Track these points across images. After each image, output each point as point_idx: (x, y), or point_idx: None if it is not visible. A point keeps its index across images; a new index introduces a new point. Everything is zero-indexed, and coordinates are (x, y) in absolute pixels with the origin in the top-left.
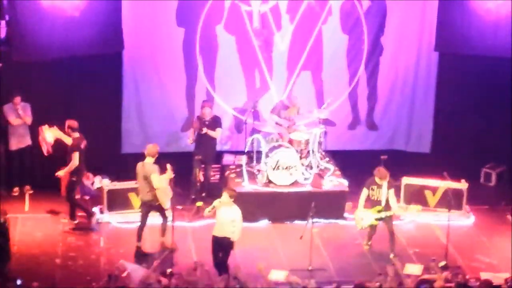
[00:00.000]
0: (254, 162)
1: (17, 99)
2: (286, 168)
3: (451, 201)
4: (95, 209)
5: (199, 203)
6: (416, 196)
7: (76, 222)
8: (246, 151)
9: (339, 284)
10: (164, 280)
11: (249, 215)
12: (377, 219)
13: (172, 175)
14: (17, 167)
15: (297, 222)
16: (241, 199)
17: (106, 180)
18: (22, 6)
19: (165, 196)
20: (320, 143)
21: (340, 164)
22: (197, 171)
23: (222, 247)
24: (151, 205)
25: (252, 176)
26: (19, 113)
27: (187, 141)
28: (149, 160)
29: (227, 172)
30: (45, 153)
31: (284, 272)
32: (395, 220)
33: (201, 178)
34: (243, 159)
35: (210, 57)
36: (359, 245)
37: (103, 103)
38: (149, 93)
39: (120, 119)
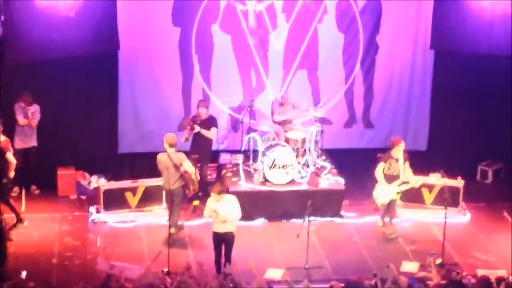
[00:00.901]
0: (251, 161)
1: (27, 97)
2: (283, 166)
3: (447, 198)
4: (92, 209)
5: (196, 202)
6: (413, 194)
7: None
8: (242, 150)
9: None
10: (164, 279)
11: (245, 214)
12: (398, 193)
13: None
14: (19, 167)
15: (293, 220)
16: (237, 198)
17: (102, 179)
18: (17, 6)
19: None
20: (316, 142)
21: (336, 162)
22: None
23: (225, 243)
24: (176, 194)
25: (249, 175)
26: (28, 114)
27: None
28: (173, 150)
29: (223, 171)
30: None
31: (281, 270)
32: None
33: (198, 177)
34: (240, 158)
35: (206, 57)
36: (356, 243)
37: (99, 103)
38: (145, 93)
39: (116, 119)
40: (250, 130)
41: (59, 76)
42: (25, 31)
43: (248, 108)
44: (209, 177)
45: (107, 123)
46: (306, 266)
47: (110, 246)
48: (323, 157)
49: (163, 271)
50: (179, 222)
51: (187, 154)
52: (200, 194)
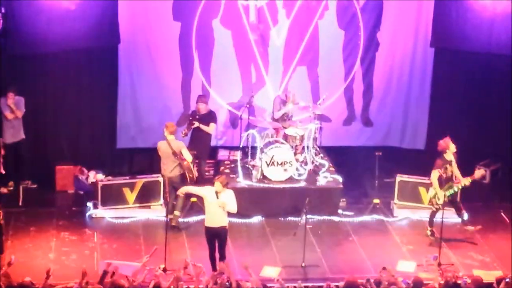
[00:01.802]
0: (249, 157)
1: (10, 95)
2: (281, 164)
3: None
4: (89, 204)
5: (194, 199)
6: (410, 193)
7: None
8: (241, 146)
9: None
10: (158, 276)
11: (243, 211)
12: (450, 194)
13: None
14: (11, 161)
15: (291, 218)
16: (235, 195)
17: (100, 174)
18: None
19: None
20: (315, 139)
21: (334, 160)
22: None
23: (218, 237)
24: (176, 182)
25: (247, 172)
26: (12, 107)
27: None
28: (173, 137)
29: (221, 168)
30: None
31: (277, 268)
32: None
33: (196, 173)
34: (238, 155)
35: (206, 52)
36: (353, 242)
37: (99, 97)
38: (144, 87)
39: (115, 114)
40: (249, 126)
41: (59, 70)
42: (25, 24)
43: (247, 105)
44: (207, 174)
45: (106, 117)
46: (303, 264)
47: (107, 242)
48: (321, 154)
49: (159, 268)
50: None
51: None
52: None
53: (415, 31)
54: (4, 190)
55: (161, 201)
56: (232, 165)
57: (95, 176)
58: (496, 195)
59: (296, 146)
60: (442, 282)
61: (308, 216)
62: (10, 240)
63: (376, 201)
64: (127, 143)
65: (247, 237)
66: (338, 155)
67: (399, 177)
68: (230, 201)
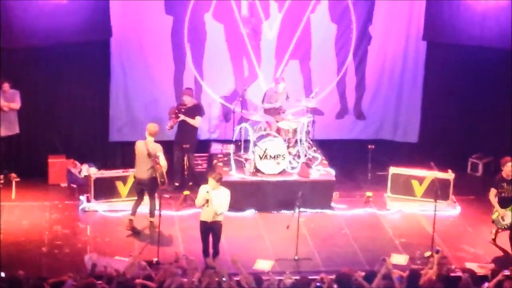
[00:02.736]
0: (242, 151)
1: (6, 85)
2: (274, 157)
3: (437, 191)
4: (82, 198)
5: (186, 192)
6: (403, 186)
7: None
8: (234, 140)
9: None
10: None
11: (236, 204)
12: None
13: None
14: (3, 154)
15: (283, 211)
16: (228, 188)
17: (93, 168)
18: None
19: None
20: (308, 132)
21: (327, 153)
22: (184, 159)
23: (212, 232)
24: (145, 184)
25: (240, 165)
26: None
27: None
28: (152, 139)
29: (214, 161)
30: None
31: (270, 261)
32: None
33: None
34: (231, 148)
35: (199, 45)
36: (346, 235)
37: (91, 91)
38: (137, 81)
39: (107, 107)
40: (241, 120)
41: (51, 63)
42: (17, 17)
43: (240, 98)
44: (199, 167)
45: (99, 111)
46: (296, 258)
47: (100, 235)
48: (314, 148)
49: (152, 261)
50: (156, 212)
51: (174, 142)
52: (190, 184)
53: (407, 25)
54: None
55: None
56: (225, 159)
57: (88, 170)
58: (489, 188)
59: (289, 139)
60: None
61: (301, 209)
62: (2, 233)
63: (369, 194)
64: (119, 136)
65: (240, 231)
66: (330, 149)
67: (392, 170)
68: (223, 201)
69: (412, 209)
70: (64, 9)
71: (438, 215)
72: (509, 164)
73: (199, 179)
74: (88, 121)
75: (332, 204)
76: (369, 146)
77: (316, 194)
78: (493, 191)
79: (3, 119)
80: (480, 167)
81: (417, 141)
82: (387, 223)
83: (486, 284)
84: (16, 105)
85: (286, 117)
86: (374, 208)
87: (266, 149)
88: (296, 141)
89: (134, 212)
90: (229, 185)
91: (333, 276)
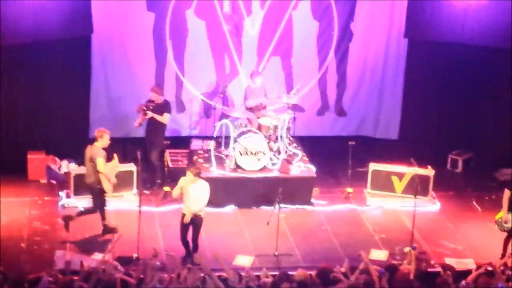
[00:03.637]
0: (223, 147)
1: None
2: (254, 153)
3: (417, 187)
4: (62, 194)
5: (167, 188)
6: (383, 182)
7: None
8: (214, 136)
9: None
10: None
11: (216, 201)
12: None
13: (118, 166)
14: None
15: (264, 207)
16: (208, 184)
17: (73, 164)
18: None
19: (107, 182)
20: (288, 129)
21: (308, 150)
22: (164, 155)
23: (193, 225)
24: (93, 188)
25: (220, 161)
26: None
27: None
28: (98, 144)
29: (195, 157)
30: None
31: (250, 257)
32: None
33: (169, 164)
34: (211, 144)
35: (180, 42)
36: (326, 231)
37: (72, 87)
38: (118, 77)
39: (88, 103)
40: (222, 116)
41: (31, 60)
42: None
43: (221, 94)
44: (180, 163)
45: (79, 107)
46: (276, 253)
47: (80, 232)
48: (295, 144)
49: (132, 257)
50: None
51: (143, 139)
52: (169, 180)
53: (389, 22)
54: None
55: (134, 190)
56: (206, 155)
57: (67, 166)
58: (468, 184)
59: (270, 135)
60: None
61: (281, 205)
62: None
63: (349, 190)
64: None
65: (220, 227)
66: (311, 145)
67: (372, 167)
68: (201, 193)
69: (392, 205)
70: (45, 6)
71: (418, 211)
72: None
73: (178, 175)
74: (68, 117)
75: (312, 200)
76: (350, 143)
77: (296, 190)
78: (507, 193)
79: None
80: (460, 163)
81: (397, 138)
82: (367, 219)
83: (463, 282)
84: None
85: (267, 113)
86: (354, 204)
87: (246, 145)
88: (276, 138)
89: (103, 217)
90: (210, 181)
91: (311, 272)
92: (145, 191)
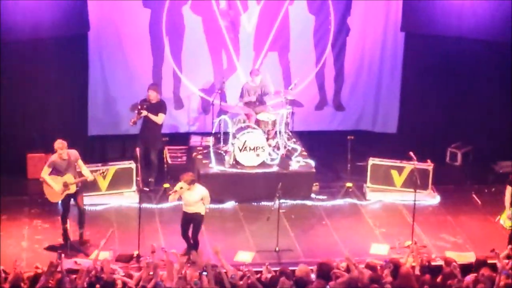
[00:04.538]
0: (221, 143)
1: None
2: (253, 149)
3: (417, 181)
4: None
5: (166, 185)
6: (383, 176)
7: None
8: (213, 132)
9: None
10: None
11: (216, 196)
12: None
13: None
14: None
15: (264, 203)
16: (208, 181)
17: None
18: None
19: (48, 188)
20: (287, 124)
21: (307, 144)
22: (164, 153)
23: (193, 222)
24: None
25: (219, 157)
26: None
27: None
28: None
29: (194, 154)
30: None
31: (251, 253)
32: None
33: (169, 160)
34: (210, 140)
35: (177, 38)
36: (326, 226)
37: (69, 85)
38: (115, 75)
39: (86, 101)
40: (221, 112)
41: (28, 58)
42: None
43: (219, 90)
44: (179, 160)
45: (78, 105)
46: (277, 249)
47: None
48: (294, 139)
49: (133, 255)
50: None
51: (137, 137)
52: (169, 177)
53: (385, 16)
54: None
55: (134, 187)
56: (205, 151)
57: None
58: (468, 177)
59: (268, 131)
60: (415, 264)
61: (281, 200)
62: None
63: (349, 184)
64: (98, 130)
65: (220, 223)
66: (310, 140)
67: (371, 161)
68: (199, 198)
69: (392, 199)
70: (41, 4)
71: (417, 205)
72: None
73: (177, 173)
74: (67, 115)
75: (312, 195)
76: (349, 137)
77: (296, 185)
78: (509, 189)
79: None
80: (459, 157)
81: (396, 132)
82: (367, 213)
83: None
84: None
85: (265, 109)
86: (354, 198)
87: (245, 141)
88: (275, 133)
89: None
90: (209, 177)
91: (313, 267)
92: (145, 188)
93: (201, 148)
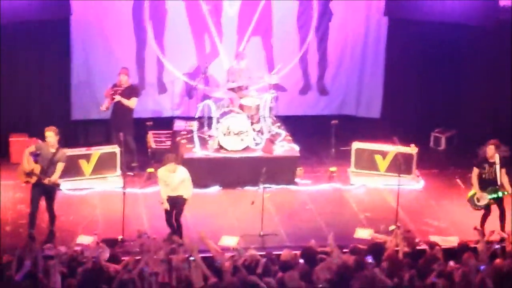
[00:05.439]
0: (205, 127)
1: None
2: (237, 133)
3: (401, 165)
4: None
5: (150, 169)
6: (367, 161)
7: None
8: (197, 116)
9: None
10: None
11: (200, 181)
12: (493, 199)
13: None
14: None
15: (248, 187)
16: (192, 165)
17: None
18: None
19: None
20: (271, 108)
21: (291, 129)
22: (148, 137)
23: (176, 206)
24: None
25: (203, 142)
26: None
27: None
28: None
29: (178, 138)
30: None
31: (236, 237)
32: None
33: (153, 145)
34: (194, 125)
35: (159, 23)
36: (310, 210)
37: (52, 70)
38: (98, 59)
39: (69, 86)
40: (204, 97)
41: (10, 42)
42: None
43: (202, 75)
44: (163, 144)
45: (61, 90)
46: (261, 233)
47: (64, 214)
48: (278, 124)
49: (117, 239)
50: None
51: (107, 123)
52: (153, 162)
53: (368, 1)
54: None
55: (118, 172)
56: (189, 136)
57: None
58: (452, 161)
59: (252, 115)
60: (399, 248)
61: (265, 185)
62: None
63: (333, 169)
64: (81, 114)
65: (204, 207)
66: (294, 124)
67: (355, 145)
68: (183, 182)
69: (376, 183)
70: None
71: (401, 189)
72: (491, 146)
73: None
74: (50, 100)
75: (296, 179)
76: (332, 122)
77: (280, 170)
78: (475, 171)
79: None
80: (443, 141)
81: (379, 116)
82: (351, 198)
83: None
84: None
85: (249, 93)
86: (338, 183)
87: (229, 125)
88: (259, 118)
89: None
90: (193, 162)
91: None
92: (129, 173)
93: (185, 132)
